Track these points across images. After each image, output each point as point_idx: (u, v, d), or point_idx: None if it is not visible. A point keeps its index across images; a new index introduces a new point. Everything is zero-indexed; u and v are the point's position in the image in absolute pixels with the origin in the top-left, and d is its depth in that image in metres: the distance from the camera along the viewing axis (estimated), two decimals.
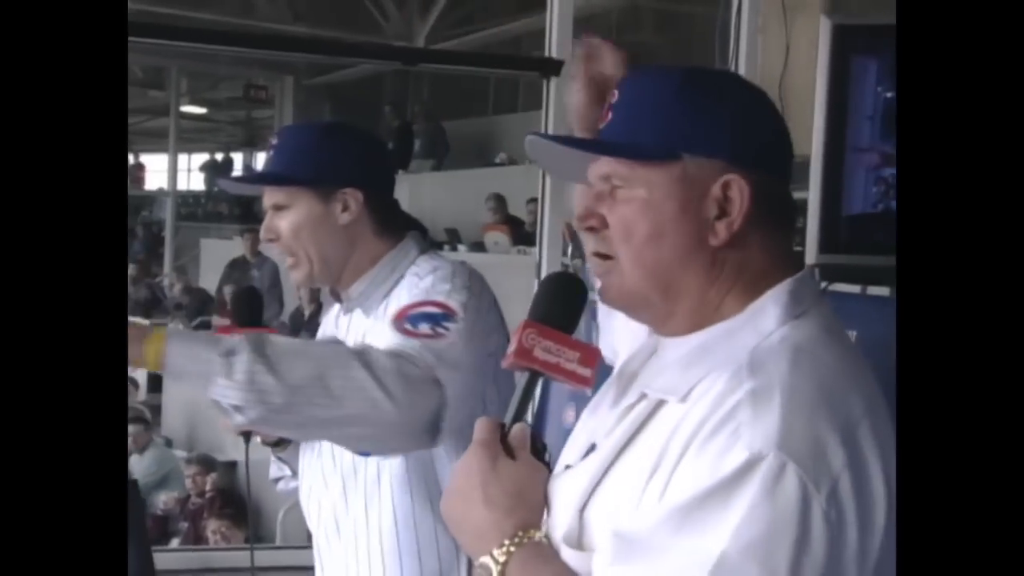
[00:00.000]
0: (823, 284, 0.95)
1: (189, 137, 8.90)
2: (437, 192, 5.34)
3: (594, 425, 0.56)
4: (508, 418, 0.54)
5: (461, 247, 4.43)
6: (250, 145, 9.22)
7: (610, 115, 0.54)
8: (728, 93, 0.55)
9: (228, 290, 4.78)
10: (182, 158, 8.65)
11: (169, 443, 4.11)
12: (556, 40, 1.57)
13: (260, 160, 8.57)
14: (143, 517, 1.80)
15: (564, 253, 1.63)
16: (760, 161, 0.54)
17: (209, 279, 5.87)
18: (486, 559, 0.51)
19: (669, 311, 0.54)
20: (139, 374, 4.59)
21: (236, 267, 5.16)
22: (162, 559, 1.52)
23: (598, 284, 0.56)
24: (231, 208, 7.49)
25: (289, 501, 1.02)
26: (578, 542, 0.51)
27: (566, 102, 0.69)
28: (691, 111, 0.53)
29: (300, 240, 0.89)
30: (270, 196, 0.90)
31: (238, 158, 9.41)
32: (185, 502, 3.39)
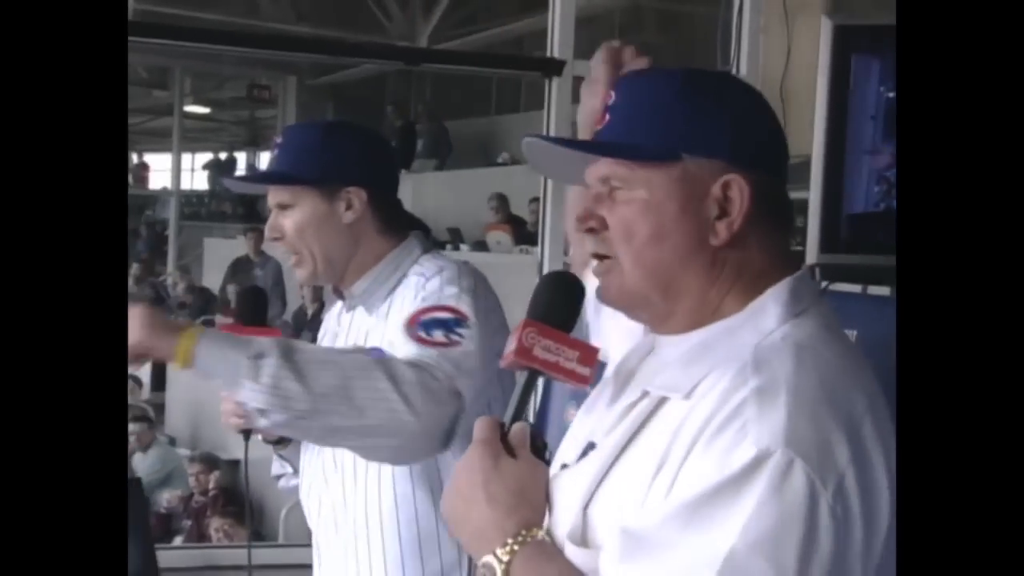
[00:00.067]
0: (823, 284, 0.96)
1: (193, 137, 8.92)
2: (440, 192, 5.35)
3: (592, 424, 0.57)
4: (508, 417, 0.55)
5: (463, 246, 4.44)
6: (253, 145, 9.25)
7: (608, 116, 0.55)
8: (726, 94, 0.55)
9: (232, 289, 4.80)
10: (186, 158, 8.68)
11: (173, 441, 4.12)
12: (558, 40, 1.57)
13: (263, 160, 8.61)
14: (146, 515, 1.81)
15: (566, 253, 1.64)
16: (759, 161, 0.54)
17: (212, 278, 5.90)
18: (489, 558, 0.51)
19: (668, 310, 0.54)
20: (143, 373, 4.62)
21: (239, 266, 5.17)
22: (165, 557, 1.52)
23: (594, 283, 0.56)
24: (234, 207, 7.52)
25: (291, 499, 1.03)
26: (582, 540, 0.51)
27: (583, 105, 0.69)
28: (690, 112, 0.53)
29: (304, 239, 0.89)
30: (274, 195, 0.91)
31: (241, 158, 9.44)
32: (188, 500, 3.40)
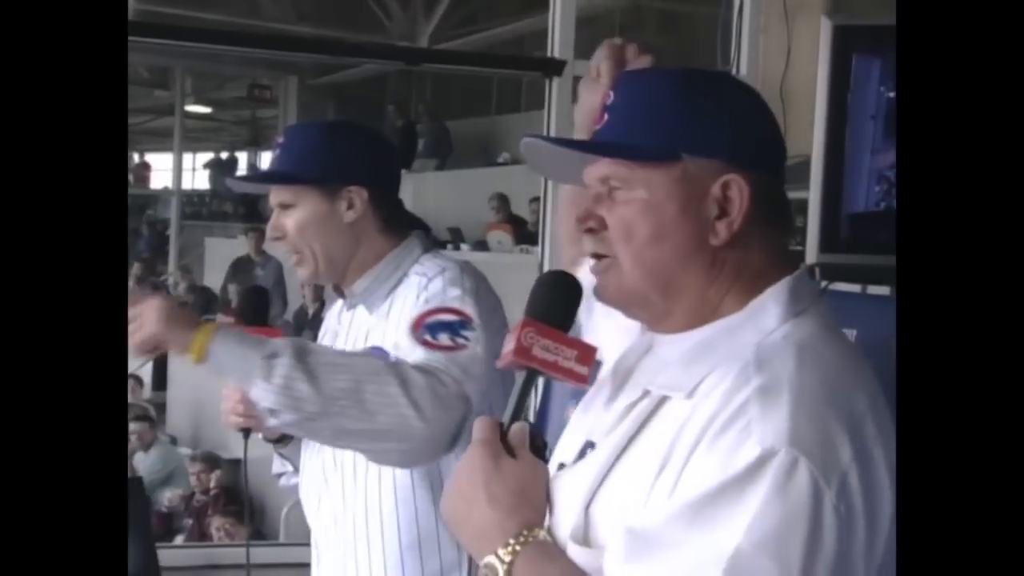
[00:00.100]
0: (823, 283, 0.96)
1: (194, 136, 8.93)
2: (440, 191, 5.35)
3: (589, 423, 0.57)
4: (507, 417, 0.55)
5: (464, 246, 4.44)
6: (254, 144, 9.25)
7: (606, 116, 0.55)
8: (725, 93, 0.55)
9: (233, 288, 4.80)
10: (187, 157, 8.68)
11: (174, 441, 4.13)
12: (559, 40, 1.57)
13: (264, 159, 8.60)
14: (148, 514, 1.82)
15: None
16: (758, 160, 0.54)
17: (213, 278, 5.90)
18: (491, 559, 0.51)
19: (667, 309, 0.54)
20: (144, 372, 4.62)
21: (240, 266, 5.18)
22: (166, 556, 1.52)
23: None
24: (235, 207, 7.52)
25: (292, 498, 1.03)
26: (584, 539, 0.51)
27: (581, 103, 0.69)
28: (690, 112, 0.53)
29: (306, 238, 0.90)
30: (276, 195, 0.91)
31: (242, 157, 9.44)
32: (189, 499, 3.41)
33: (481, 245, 4.42)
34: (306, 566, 0.97)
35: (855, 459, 0.47)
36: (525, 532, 0.51)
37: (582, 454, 0.55)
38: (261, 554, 1.63)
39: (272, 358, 0.78)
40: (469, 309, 0.84)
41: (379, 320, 0.90)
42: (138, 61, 6.67)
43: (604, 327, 0.62)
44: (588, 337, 0.66)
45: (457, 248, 4.36)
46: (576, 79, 1.57)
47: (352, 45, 4.42)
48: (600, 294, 0.55)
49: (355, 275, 0.91)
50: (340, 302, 0.97)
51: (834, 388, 0.49)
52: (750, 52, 1.54)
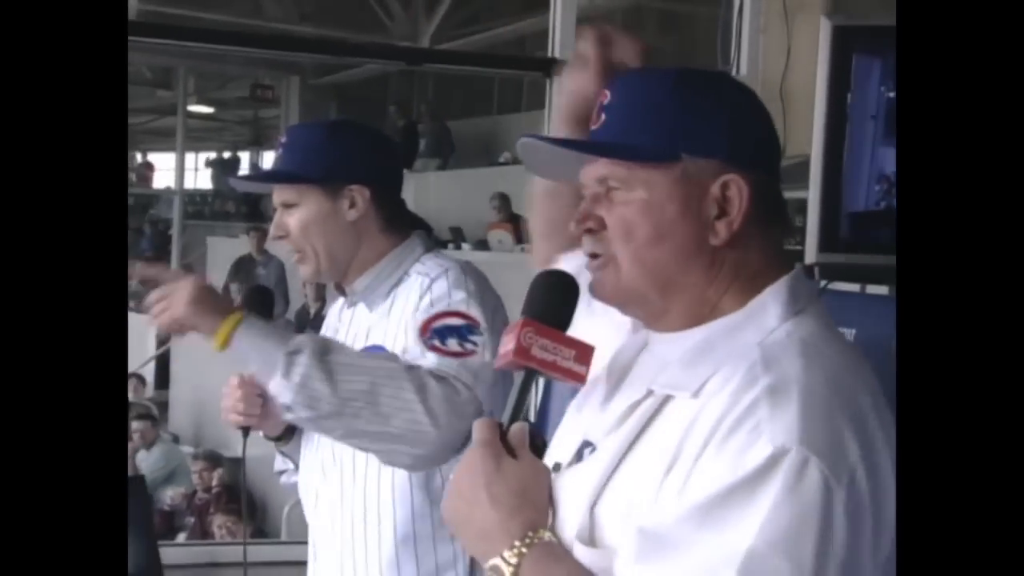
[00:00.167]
0: (823, 283, 0.96)
1: (196, 136, 8.94)
2: (442, 191, 5.35)
3: (585, 423, 0.56)
4: (506, 417, 0.54)
5: (465, 245, 4.45)
6: (256, 144, 9.27)
7: (603, 116, 0.54)
8: (723, 93, 0.55)
9: (235, 287, 4.80)
10: (189, 157, 8.69)
11: (176, 439, 4.14)
12: (559, 40, 1.58)
13: (266, 159, 8.60)
14: (150, 512, 1.82)
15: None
16: (756, 160, 0.54)
17: (216, 277, 5.91)
18: (496, 561, 0.50)
19: (664, 308, 0.54)
20: (147, 371, 4.63)
21: (242, 265, 5.19)
22: (168, 554, 1.52)
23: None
24: (238, 206, 7.54)
25: (293, 496, 1.04)
26: (590, 539, 0.50)
27: (566, 90, 0.68)
28: (688, 111, 0.53)
29: (308, 237, 0.90)
30: (279, 194, 0.92)
31: (244, 157, 9.46)
32: (192, 497, 3.42)
33: (482, 244, 4.43)
34: (306, 564, 0.97)
35: (862, 457, 0.47)
36: (530, 533, 0.51)
37: (579, 454, 0.55)
38: (262, 552, 1.63)
39: (294, 355, 0.78)
40: (475, 312, 0.85)
41: (380, 318, 0.91)
42: (141, 61, 6.68)
43: (593, 326, 0.61)
44: (577, 333, 0.67)
45: (458, 247, 4.37)
46: None
47: (354, 45, 4.44)
48: (597, 292, 0.55)
49: (356, 273, 0.92)
50: (341, 300, 0.97)
51: (839, 387, 0.49)
52: (750, 52, 1.54)
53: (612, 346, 0.57)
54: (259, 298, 1.01)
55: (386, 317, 0.90)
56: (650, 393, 0.53)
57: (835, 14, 0.97)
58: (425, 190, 5.23)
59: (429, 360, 0.82)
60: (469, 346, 0.83)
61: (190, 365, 4.29)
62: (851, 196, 0.93)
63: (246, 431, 0.94)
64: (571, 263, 0.66)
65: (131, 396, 4.08)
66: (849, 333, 0.87)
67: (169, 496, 3.48)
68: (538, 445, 0.55)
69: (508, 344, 0.55)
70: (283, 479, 1.02)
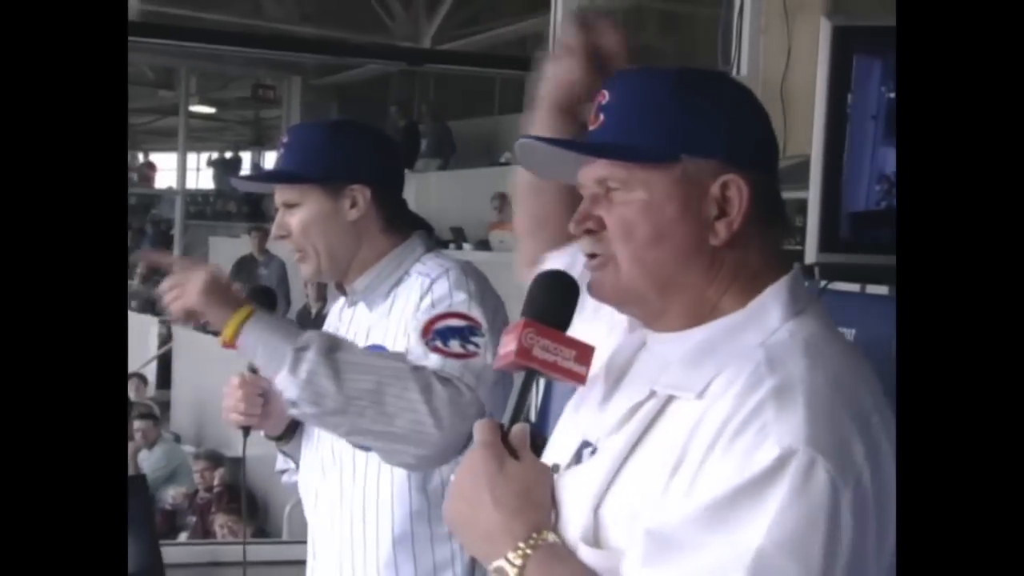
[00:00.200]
0: (823, 283, 0.96)
1: (198, 136, 8.96)
2: (443, 191, 5.36)
3: (583, 423, 0.56)
4: (506, 418, 0.54)
5: (467, 245, 4.45)
6: (258, 144, 9.28)
7: (602, 116, 0.54)
8: (722, 93, 0.55)
9: (237, 287, 4.78)
10: (191, 157, 8.71)
11: (178, 439, 4.15)
12: (560, 41, 1.57)
13: (268, 159, 8.60)
14: (151, 511, 1.83)
15: None
16: (755, 160, 0.54)
17: None
18: (501, 563, 0.50)
19: (663, 308, 0.54)
20: (149, 371, 4.63)
21: (244, 265, 5.19)
22: (170, 553, 1.52)
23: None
24: (239, 206, 7.54)
25: (295, 496, 1.04)
26: (595, 540, 0.50)
27: (550, 77, 0.68)
28: (688, 112, 0.53)
29: (309, 236, 0.91)
30: (281, 194, 0.92)
31: (246, 157, 9.47)
32: (193, 497, 3.42)
33: (483, 244, 4.43)
34: (306, 563, 0.97)
35: (867, 457, 0.47)
36: (534, 535, 0.50)
37: (578, 454, 0.55)
38: (263, 551, 1.63)
39: (301, 351, 0.79)
40: (476, 314, 0.85)
41: (380, 318, 0.91)
42: (143, 61, 6.69)
43: (585, 325, 0.61)
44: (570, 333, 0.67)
45: (460, 247, 4.37)
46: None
47: (355, 46, 4.46)
48: (596, 292, 0.55)
49: (357, 273, 0.92)
50: (342, 299, 0.98)
51: (843, 387, 0.49)
52: (750, 53, 1.54)
53: (606, 345, 0.57)
54: (261, 298, 1.02)
55: (386, 317, 0.90)
56: (653, 394, 0.53)
57: (835, 14, 0.97)
58: (426, 190, 5.24)
59: (432, 361, 0.83)
60: (471, 347, 0.83)
61: (192, 365, 4.30)
62: (851, 196, 0.93)
63: (246, 431, 0.95)
64: (559, 261, 0.66)
65: (133, 396, 4.09)
66: (849, 333, 0.87)
67: (171, 495, 3.49)
68: (539, 445, 0.56)
69: (509, 345, 0.55)
70: (284, 478, 1.03)
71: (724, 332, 0.52)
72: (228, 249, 6.06)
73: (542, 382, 0.61)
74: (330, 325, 0.99)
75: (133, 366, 4.31)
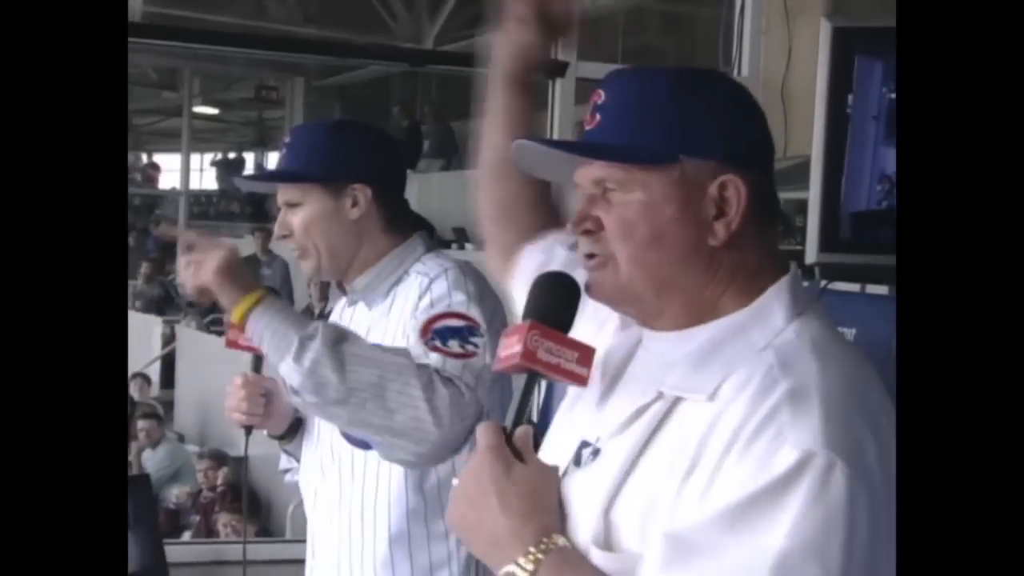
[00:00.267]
0: (823, 283, 0.96)
1: (202, 137, 8.99)
2: (445, 191, 5.36)
3: (582, 423, 0.56)
4: (509, 420, 0.54)
5: (469, 246, 4.45)
6: (261, 145, 9.31)
7: (598, 116, 0.54)
8: (719, 93, 0.55)
9: None
10: (195, 158, 8.73)
11: (181, 438, 4.15)
12: (561, 42, 1.57)
13: (271, 160, 8.63)
14: (155, 511, 1.83)
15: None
16: (752, 160, 0.54)
17: None
18: (511, 568, 0.49)
19: (660, 308, 0.54)
20: (152, 370, 4.64)
21: (247, 265, 5.19)
22: (173, 552, 1.53)
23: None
24: (242, 207, 7.56)
25: (298, 495, 1.05)
26: (606, 544, 0.50)
27: (506, 46, 0.66)
28: (685, 112, 0.53)
29: (310, 235, 0.91)
30: (283, 194, 0.93)
31: (249, 158, 9.50)
32: (197, 496, 3.42)
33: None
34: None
35: (879, 457, 0.47)
36: (544, 539, 0.50)
37: (578, 455, 0.54)
38: (266, 550, 1.63)
39: (307, 340, 0.79)
40: (475, 314, 0.85)
41: (379, 317, 0.91)
42: (146, 63, 6.72)
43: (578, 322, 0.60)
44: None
45: (462, 248, 4.37)
46: (580, 81, 1.57)
47: (358, 47, 4.46)
48: (594, 292, 0.55)
49: (357, 272, 0.93)
50: (343, 299, 0.98)
51: (854, 388, 0.49)
52: (751, 53, 1.54)
53: (596, 343, 0.57)
54: None
55: (385, 316, 0.91)
56: (660, 395, 0.52)
57: (835, 15, 0.97)
58: (428, 191, 5.24)
59: (432, 361, 0.83)
60: (470, 347, 0.83)
61: (195, 365, 4.31)
62: (852, 196, 0.93)
63: (248, 430, 0.95)
64: (535, 256, 0.65)
65: (136, 395, 4.11)
66: (849, 333, 0.87)
67: (174, 495, 3.50)
68: (540, 446, 0.55)
69: (514, 347, 0.54)
70: (287, 477, 1.03)
71: (728, 332, 0.52)
72: None
73: (543, 383, 0.61)
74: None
75: (137, 366, 4.32)
